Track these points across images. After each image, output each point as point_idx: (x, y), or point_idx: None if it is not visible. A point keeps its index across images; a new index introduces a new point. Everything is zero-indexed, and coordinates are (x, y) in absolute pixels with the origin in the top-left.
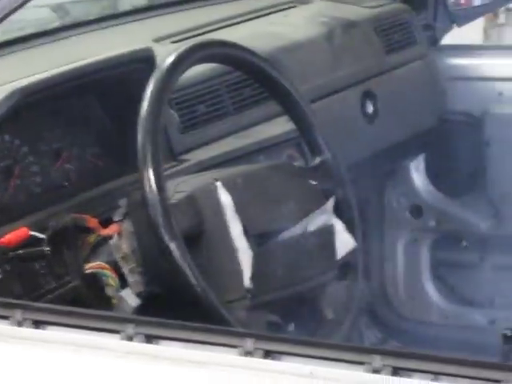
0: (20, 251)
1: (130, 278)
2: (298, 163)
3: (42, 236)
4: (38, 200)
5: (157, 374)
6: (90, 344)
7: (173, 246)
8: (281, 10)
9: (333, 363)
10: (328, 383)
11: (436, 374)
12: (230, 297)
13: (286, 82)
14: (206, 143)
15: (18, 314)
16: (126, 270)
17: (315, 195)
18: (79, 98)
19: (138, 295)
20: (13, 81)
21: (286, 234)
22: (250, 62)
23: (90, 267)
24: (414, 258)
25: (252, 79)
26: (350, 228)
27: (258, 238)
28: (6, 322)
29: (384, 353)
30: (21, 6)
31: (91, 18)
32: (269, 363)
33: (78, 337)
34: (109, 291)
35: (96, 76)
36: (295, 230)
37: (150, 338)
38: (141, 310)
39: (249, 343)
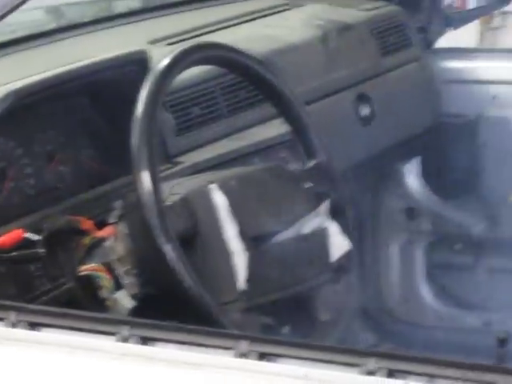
0: (14, 253)
1: (125, 280)
2: (293, 165)
3: (36, 238)
4: (33, 202)
5: (152, 376)
6: (85, 346)
7: (168, 247)
8: (276, 13)
9: (327, 365)
10: None
11: (431, 377)
12: (224, 299)
13: (280, 84)
14: (201, 145)
15: (13, 316)
16: (120, 271)
17: (310, 198)
18: (74, 99)
19: (133, 297)
20: (7, 83)
21: (281, 237)
22: (244, 64)
23: (85, 269)
24: (409, 260)
25: (247, 81)
26: (345, 230)
27: (252, 241)
28: (1, 323)
29: (379, 355)
30: (15, 8)
31: (86, 20)
32: (263, 365)
33: (73, 339)
34: (103, 293)
35: (91, 78)
36: (290, 233)
37: (145, 340)
38: (136, 311)
39: (243, 345)
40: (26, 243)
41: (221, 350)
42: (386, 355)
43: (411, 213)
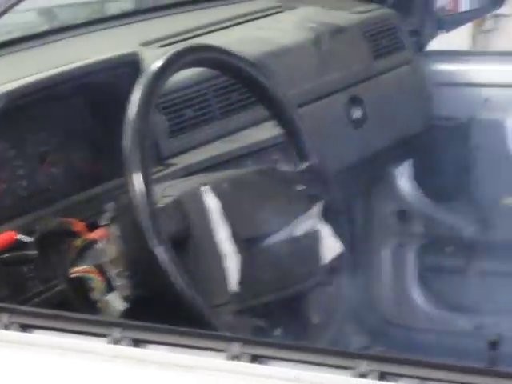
0: (6, 255)
1: (117, 282)
2: (285, 168)
3: (28, 240)
4: (25, 204)
5: (144, 378)
6: (76, 348)
7: (160, 250)
8: (269, 15)
9: (319, 367)
10: None
11: (422, 379)
12: (216, 301)
13: (273, 86)
14: (194, 147)
15: (5, 318)
16: (112, 273)
17: (302, 200)
18: (66, 101)
19: (125, 299)
20: (0, 84)
21: (273, 239)
22: (237, 66)
23: (77, 271)
24: (401, 262)
25: (239, 84)
26: (337, 233)
27: (244, 243)
28: None
29: (370, 357)
30: (8, 9)
31: (79, 21)
32: (255, 367)
33: (65, 340)
34: (95, 295)
35: (83, 80)
36: (282, 235)
37: (136, 342)
38: (128, 313)
39: (235, 347)
40: (18, 245)
41: (213, 352)
42: (377, 358)
43: (403, 215)
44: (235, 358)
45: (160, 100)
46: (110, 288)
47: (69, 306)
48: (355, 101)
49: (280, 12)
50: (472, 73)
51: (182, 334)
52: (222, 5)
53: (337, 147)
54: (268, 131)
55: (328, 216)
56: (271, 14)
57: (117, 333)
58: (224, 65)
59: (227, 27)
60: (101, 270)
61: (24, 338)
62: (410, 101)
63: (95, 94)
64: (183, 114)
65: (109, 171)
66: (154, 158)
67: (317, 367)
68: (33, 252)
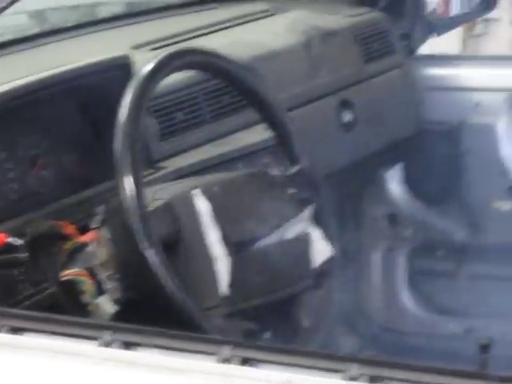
0: None
1: (108, 285)
2: (276, 171)
3: (19, 242)
4: (16, 206)
5: (134, 381)
6: (67, 350)
7: (150, 252)
8: (260, 19)
9: (310, 371)
10: None
11: (413, 383)
12: (207, 304)
13: (264, 90)
14: (185, 150)
15: None
16: (103, 276)
17: (293, 203)
18: (57, 104)
19: (116, 302)
20: None
21: (264, 242)
22: (228, 70)
23: (67, 274)
24: (391, 266)
25: (230, 87)
26: (327, 237)
27: (235, 246)
28: None
29: (361, 361)
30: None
31: (70, 24)
32: (246, 370)
33: (56, 343)
34: (85, 298)
35: (74, 83)
36: (272, 238)
37: (127, 345)
38: (118, 316)
39: (226, 350)
40: (9, 248)
41: (203, 355)
42: (368, 361)
43: (393, 219)
44: (226, 360)
45: (151, 103)
46: (100, 291)
47: (59, 309)
48: (346, 104)
49: (271, 15)
50: (463, 77)
51: (172, 336)
52: (213, 8)
53: (327, 151)
54: (258, 134)
55: (318, 219)
56: (262, 18)
57: (107, 335)
58: (215, 68)
59: (218, 30)
60: (91, 272)
61: (14, 340)
62: (401, 105)
63: (86, 96)
64: (174, 117)
65: (100, 174)
66: (145, 161)
67: (307, 370)
68: (23, 255)
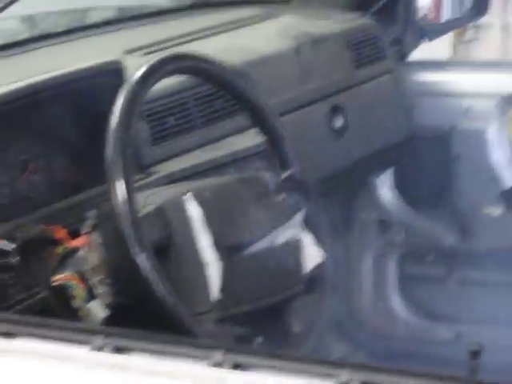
0: None
1: (99, 290)
2: (267, 176)
3: (10, 247)
4: (7, 211)
5: None
6: (58, 355)
7: (141, 257)
8: (251, 24)
9: (301, 376)
10: None
11: None
12: (198, 309)
13: (255, 95)
14: (176, 155)
15: None
16: (94, 281)
17: (284, 209)
18: (48, 109)
19: (107, 306)
20: None
21: (255, 247)
22: (219, 75)
23: (58, 279)
24: (381, 271)
25: (222, 92)
26: (318, 242)
27: (226, 251)
28: None
29: (352, 366)
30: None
31: (61, 29)
32: (238, 375)
33: (47, 347)
34: (76, 303)
35: (65, 88)
36: (263, 244)
37: (119, 349)
38: (109, 321)
39: (218, 355)
40: (0, 252)
41: (195, 360)
42: (359, 366)
43: (384, 224)
44: (217, 365)
45: (144, 108)
46: (91, 296)
47: (51, 314)
48: (337, 110)
49: (263, 21)
50: (453, 82)
51: (164, 341)
52: (205, 13)
53: (318, 156)
54: (250, 139)
55: (309, 225)
56: (254, 23)
57: (99, 340)
58: (206, 73)
59: (211, 35)
60: (82, 277)
61: (6, 344)
62: (392, 110)
63: (78, 101)
64: (166, 122)
65: (91, 179)
66: (137, 166)
67: (299, 375)
68: (14, 259)
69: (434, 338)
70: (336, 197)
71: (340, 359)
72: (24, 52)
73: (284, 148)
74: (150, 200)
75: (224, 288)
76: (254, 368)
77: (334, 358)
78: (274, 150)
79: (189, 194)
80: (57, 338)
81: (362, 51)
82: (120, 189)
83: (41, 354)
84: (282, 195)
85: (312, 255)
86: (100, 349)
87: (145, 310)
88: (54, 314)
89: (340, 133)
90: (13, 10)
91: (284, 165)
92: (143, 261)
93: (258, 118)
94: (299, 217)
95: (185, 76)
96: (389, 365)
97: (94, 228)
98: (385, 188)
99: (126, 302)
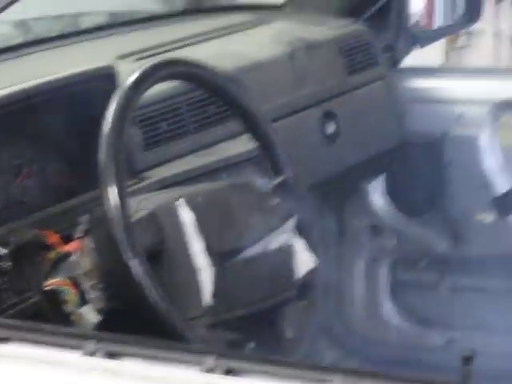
0: None
1: (91, 295)
2: (260, 182)
3: (2, 251)
4: None
5: None
6: (51, 360)
7: (134, 262)
8: (244, 30)
9: (294, 381)
10: None
11: None
12: (190, 314)
13: (247, 100)
14: (169, 161)
15: None
16: (86, 286)
17: (276, 214)
18: (41, 114)
19: (99, 311)
20: None
21: (247, 253)
22: (211, 80)
23: (50, 283)
24: (373, 277)
25: (214, 98)
26: (310, 248)
27: (218, 256)
28: None
29: (345, 372)
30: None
31: (54, 34)
32: (230, 380)
33: (39, 352)
34: (68, 307)
35: (58, 93)
36: (256, 249)
37: (111, 355)
38: (102, 326)
39: (210, 360)
40: None
41: (187, 365)
42: (351, 372)
43: (376, 230)
44: (210, 370)
45: (135, 113)
46: (83, 300)
47: (43, 318)
48: (329, 116)
49: (255, 27)
50: (445, 89)
51: (156, 346)
52: (197, 19)
53: (311, 162)
54: (242, 145)
55: (302, 231)
56: (246, 29)
57: (91, 345)
58: (199, 78)
59: (203, 41)
60: (75, 282)
61: None
62: (384, 116)
63: (70, 106)
64: (158, 128)
65: (84, 184)
66: (129, 171)
67: (291, 381)
68: (7, 264)
69: (426, 344)
70: (328, 203)
71: (332, 365)
72: (17, 57)
73: (276, 153)
74: (142, 205)
75: (216, 293)
76: (247, 373)
77: (327, 364)
78: (266, 156)
79: (181, 200)
80: (49, 343)
81: (355, 57)
82: (112, 194)
83: (33, 358)
84: (275, 201)
85: (304, 261)
86: (92, 354)
87: (137, 315)
88: (46, 319)
89: (332, 139)
90: (5, 15)
91: (276, 170)
92: (135, 266)
93: (250, 124)
94: (291, 222)
95: (177, 81)
96: (380, 370)
97: (87, 233)
98: (377, 194)
99: (118, 307)
